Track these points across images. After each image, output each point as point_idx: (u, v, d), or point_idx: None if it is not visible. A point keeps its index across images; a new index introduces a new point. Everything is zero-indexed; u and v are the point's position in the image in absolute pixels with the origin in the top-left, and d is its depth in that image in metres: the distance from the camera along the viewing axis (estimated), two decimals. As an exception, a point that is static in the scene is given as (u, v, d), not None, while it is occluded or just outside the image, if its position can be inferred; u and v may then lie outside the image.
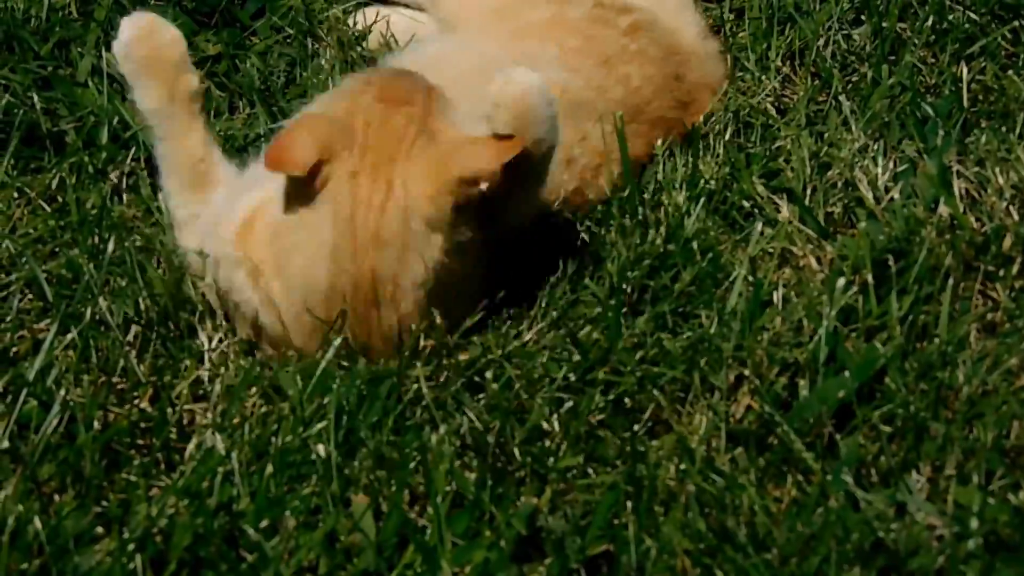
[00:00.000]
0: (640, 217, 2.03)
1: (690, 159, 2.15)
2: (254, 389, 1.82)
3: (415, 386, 1.80)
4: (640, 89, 2.15)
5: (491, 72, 1.90)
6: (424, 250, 1.83)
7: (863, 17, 2.49)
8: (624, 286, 1.93)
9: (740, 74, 2.40)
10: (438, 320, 1.84)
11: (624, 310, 1.92)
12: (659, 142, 2.15)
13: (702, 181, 2.11)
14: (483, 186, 1.80)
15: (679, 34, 2.30)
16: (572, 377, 1.83)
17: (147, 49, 2.05)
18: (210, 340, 1.89)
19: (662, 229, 2.01)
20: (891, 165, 2.14)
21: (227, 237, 1.92)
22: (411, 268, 1.83)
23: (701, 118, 2.26)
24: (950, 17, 2.43)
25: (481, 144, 1.83)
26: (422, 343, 1.86)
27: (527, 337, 1.91)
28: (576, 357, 1.85)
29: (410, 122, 1.86)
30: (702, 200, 2.08)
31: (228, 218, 1.94)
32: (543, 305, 1.93)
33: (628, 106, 2.08)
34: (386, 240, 1.82)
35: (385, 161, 1.84)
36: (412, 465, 1.71)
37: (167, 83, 2.04)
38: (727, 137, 2.23)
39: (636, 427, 1.80)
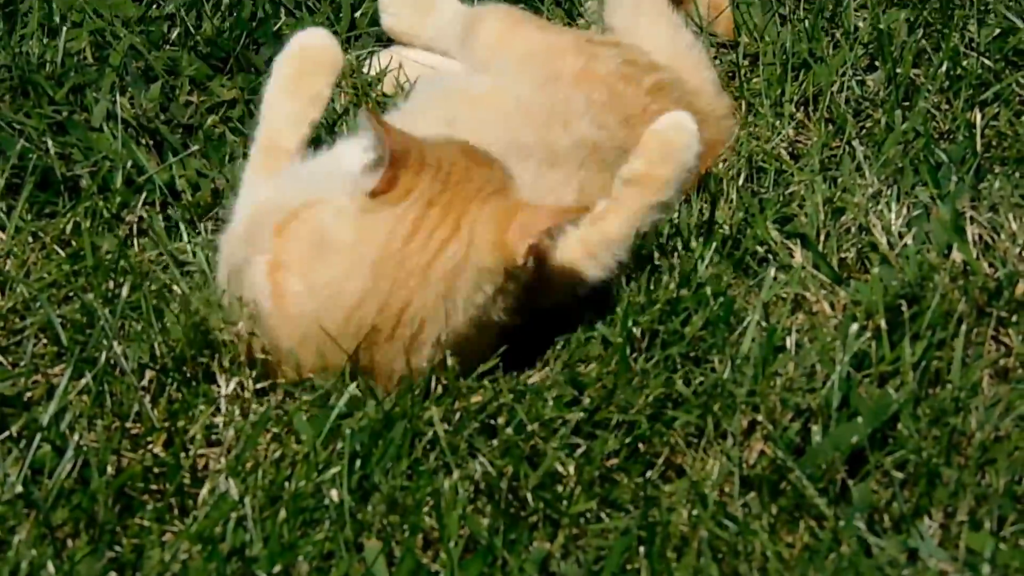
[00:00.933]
0: (654, 262, 2.08)
1: (705, 205, 2.19)
2: (268, 434, 1.84)
3: (429, 430, 1.83)
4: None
5: (527, 115, 2.00)
6: (465, 301, 1.89)
7: (877, 63, 2.54)
8: (634, 329, 1.96)
9: (753, 120, 2.45)
10: (450, 361, 1.88)
11: (634, 354, 1.95)
12: None
13: (716, 226, 2.15)
14: (531, 240, 1.87)
15: (698, 94, 2.36)
16: (582, 416, 1.86)
17: (301, 49, 2.20)
18: (226, 384, 1.92)
19: (675, 274, 2.05)
20: (904, 211, 2.17)
21: (267, 223, 1.98)
22: (441, 317, 1.88)
23: (720, 165, 2.31)
24: (964, 63, 2.48)
25: (540, 207, 1.91)
26: (433, 383, 1.90)
27: (535, 379, 1.95)
28: (586, 400, 1.88)
29: (491, 179, 1.93)
30: (715, 245, 2.12)
31: (275, 204, 2.02)
32: (558, 348, 1.98)
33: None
34: (434, 277, 1.87)
35: (461, 203, 1.90)
36: (425, 510, 1.73)
37: (300, 80, 2.18)
38: (740, 182, 2.28)
39: (650, 472, 1.82)
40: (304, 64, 2.19)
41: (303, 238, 1.95)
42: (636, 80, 2.26)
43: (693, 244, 2.13)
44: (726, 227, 2.17)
